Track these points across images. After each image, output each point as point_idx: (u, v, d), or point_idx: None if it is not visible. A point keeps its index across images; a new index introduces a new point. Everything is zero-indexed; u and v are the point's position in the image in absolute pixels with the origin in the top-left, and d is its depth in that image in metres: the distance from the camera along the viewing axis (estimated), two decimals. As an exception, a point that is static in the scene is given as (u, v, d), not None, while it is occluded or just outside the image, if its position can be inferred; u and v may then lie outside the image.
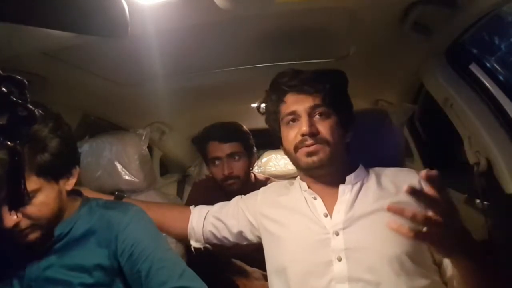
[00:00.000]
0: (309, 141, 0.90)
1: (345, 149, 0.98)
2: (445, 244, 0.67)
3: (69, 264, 0.88)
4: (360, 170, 0.98)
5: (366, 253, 0.83)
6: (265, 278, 1.21)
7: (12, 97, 0.40)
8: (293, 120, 0.95)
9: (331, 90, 0.93)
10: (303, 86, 0.94)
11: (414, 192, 0.62)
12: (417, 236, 0.64)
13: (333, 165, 0.93)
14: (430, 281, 0.82)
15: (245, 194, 1.15)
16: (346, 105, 0.99)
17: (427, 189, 0.63)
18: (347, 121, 0.97)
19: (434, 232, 0.64)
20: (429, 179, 0.63)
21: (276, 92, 1.00)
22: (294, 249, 0.91)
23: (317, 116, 0.93)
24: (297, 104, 0.94)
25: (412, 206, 0.86)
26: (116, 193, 1.23)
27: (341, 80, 1.00)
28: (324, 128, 0.91)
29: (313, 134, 0.90)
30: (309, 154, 0.91)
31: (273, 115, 1.01)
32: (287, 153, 0.99)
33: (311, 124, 0.91)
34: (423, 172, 0.63)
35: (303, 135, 0.91)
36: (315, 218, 0.91)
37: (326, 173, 0.95)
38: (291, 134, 0.94)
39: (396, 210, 0.64)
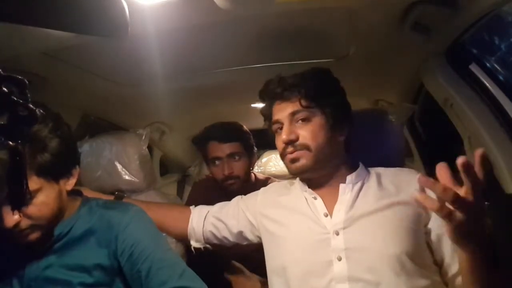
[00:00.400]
0: (290, 148, 0.92)
1: (342, 147, 0.98)
2: (467, 230, 0.63)
3: (69, 264, 0.88)
4: (361, 169, 0.97)
5: (366, 253, 0.83)
6: (262, 283, 1.21)
7: (12, 96, 0.40)
8: (280, 128, 0.96)
9: (308, 93, 0.93)
10: (283, 92, 0.96)
11: (467, 168, 0.57)
12: (442, 211, 0.60)
13: (321, 168, 0.94)
14: (431, 282, 0.82)
15: (245, 194, 1.15)
16: (333, 103, 0.95)
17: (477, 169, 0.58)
18: (338, 119, 0.94)
19: (461, 213, 0.60)
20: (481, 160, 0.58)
21: (266, 100, 1.02)
22: (294, 249, 0.91)
23: (300, 122, 0.93)
24: (280, 112, 0.96)
25: (412, 206, 0.87)
26: (116, 193, 1.23)
27: (322, 79, 0.98)
28: (305, 132, 0.92)
29: (291, 141, 0.92)
30: (292, 161, 0.93)
31: (268, 122, 1.03)
32: (281, 158, 1.01)
33: (290, 131, 0.92)
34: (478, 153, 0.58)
35: (284, 143, 0.93)
36: (315, 217, 0.91)
37: (320, 175, 0.96)
38: (279, 143, 0.97)
39: (425, 181, 0.60)
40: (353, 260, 0.83)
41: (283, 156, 0.96)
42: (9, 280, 0.87)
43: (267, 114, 1.02)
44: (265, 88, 1.01)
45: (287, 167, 0.97)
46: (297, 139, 0.92)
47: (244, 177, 1.52)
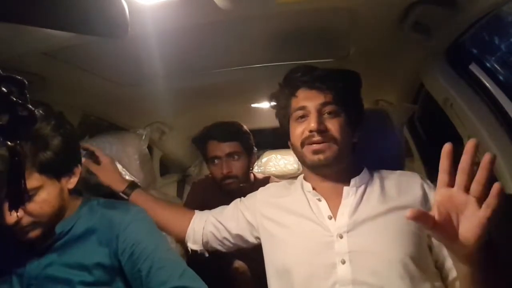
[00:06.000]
0: (317, 137, 0.90)
1: (351, 149, 0.98)
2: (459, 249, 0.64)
3: (69, 262, 0.88)
4: (365, 173, 0.97)
5: (370, 256, 0.83)
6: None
7: (12, 97, 0.40)
8: (303, 116, 0.94)
9: (342, 89, 0.93)
10: (315, 82, 0.94)
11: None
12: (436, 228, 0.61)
13: (339, 164, 0.93)
14: (433, 286, 0.82)
15: (244, 194, 1.15)
16: (356, 105, 0.99)
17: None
18: (356, 121, 0.96)
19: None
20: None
21: (288, 86, 1.00)
22: (298, 251, 0.90)
23: (327, 114, 0.92)
24: (308, 100, 0.94)
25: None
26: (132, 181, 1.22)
27: (354, 80, 1.00)
28: (333, 125, 0.91)
29: (321, 131, 0.90)
30: (316, 152, 0.91)
31: (283, 110, 1.01)
32: (293, 148, 0.99)
33: (320, 121, 0.90)
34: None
35: (311, 131, 0.90)
36: (318, 220, 0.91)
37: (333, 172, 0.95)
38: (299, 130, 0.94)
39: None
40: (357, 264, 0.83)
41: (303, 145, 0.93)
42: (9, 278, 0.88)
43: (285, 99, 1.00)
44: (294, 73, 0.99)
45: (304, 157, 0.94)
46: (327, 130, 0.90)
47: (242, 176, 1.52)
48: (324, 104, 0.92)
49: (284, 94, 1.01)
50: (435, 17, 0.98)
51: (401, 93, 1.67)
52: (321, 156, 0.90)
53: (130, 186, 1.16)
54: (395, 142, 1.19)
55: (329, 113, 0.92)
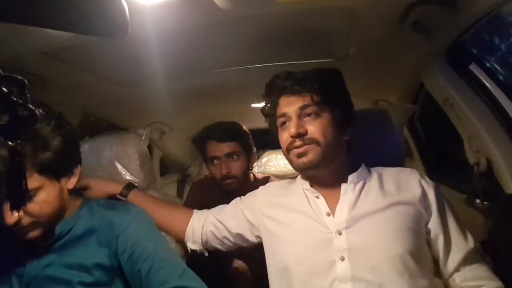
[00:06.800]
0: (298, 142, 0.91)
1: (345, 147, 0.97)
2: None
3: (69, 263, 0.88)
4: (363, 169, 0.97)
5: (369, 253, 0.83)
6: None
7: (12, 97, 0.40)
8: (285, 123, 0.95)
9: (322, 89, 0.93)
10: (294, 86, 0.95)
11: None
12: None
13: (326, 164, 0.93)
14: (431, 282, 0.82)
15: (243, 193, 1.15)
16: (340, 102, 0.97)
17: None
18: (343, 118, 0.95)
19: None
20: None
21: (270, 95, 1.01)
22: (297, 249, 0.90)
23: (307, 116, 0.92)
24: (288, 105, 0.94)
25: (413, 205, 0.87)
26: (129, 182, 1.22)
27: (333, 77, 0.99)
28: (314, 127, 0.91)
29: (301, 135, 0.90)
30: (299, 156, 0.91)
31: (271, 118, 1.02)
32: (284, 155, 1.00)
33: (299, 125, 0.91)
34: None
35: (292, 136, 0.91)
36: (317, 217, 0.91)
37: (324, 173, 0.95)
38: (284, 136, 0.95)
39: None
40: (356, 260, 0.83)
41: (288, 151, 0.94)
42: (8, 278, 0.88)
43: (271, 108, 1.01)
44: (273, 81, 1.00)
45: (292, 162, 0.95)
46: (306, 133, 0.90)
47: (242, 177, 1.52)
48: (303, 108, 0.92)
49: (268, 103, 1.02)
50: (435, 17, 0.98)
51: (401, 93, 1.67)
52: (304, 159, 0.91)
53: (126, 187, 1.16)
54: (395, 142, 1.19)
55: (309, 115, 0.92)
